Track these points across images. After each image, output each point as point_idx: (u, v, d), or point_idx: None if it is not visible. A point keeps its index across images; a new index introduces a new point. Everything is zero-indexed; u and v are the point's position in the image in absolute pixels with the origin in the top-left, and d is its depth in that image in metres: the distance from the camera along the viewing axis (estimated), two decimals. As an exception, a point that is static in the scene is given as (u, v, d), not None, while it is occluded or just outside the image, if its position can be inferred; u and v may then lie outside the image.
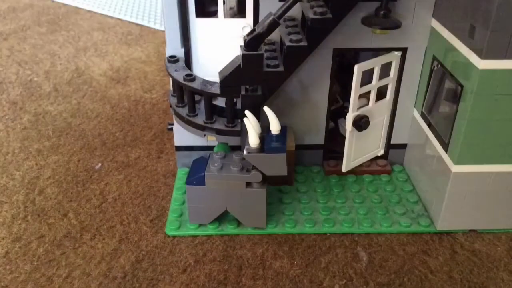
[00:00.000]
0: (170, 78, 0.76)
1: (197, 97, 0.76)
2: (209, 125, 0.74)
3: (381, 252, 0.70)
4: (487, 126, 0.64)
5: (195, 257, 0.69)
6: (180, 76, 0.73)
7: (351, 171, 0.84)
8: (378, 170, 0.84)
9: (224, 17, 0.74)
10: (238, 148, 0.76)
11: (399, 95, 0.80)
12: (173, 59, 0.76)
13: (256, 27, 0.67)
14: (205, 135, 0.75)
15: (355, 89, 0.72)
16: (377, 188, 0.81)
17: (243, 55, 0.67)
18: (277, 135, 0.69)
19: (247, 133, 0.67)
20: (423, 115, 0.78)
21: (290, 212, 0.76)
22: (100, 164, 0.89)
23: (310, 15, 0.66)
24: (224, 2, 0.73)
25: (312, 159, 0.86)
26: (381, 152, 0.86)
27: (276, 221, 0.74)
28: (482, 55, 0.59)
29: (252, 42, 0.66)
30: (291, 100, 0.80)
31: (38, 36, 1.47)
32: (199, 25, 0.75)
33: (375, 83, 0.76)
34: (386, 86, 0.80)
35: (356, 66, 0.70)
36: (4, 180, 0.84)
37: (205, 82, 0.73)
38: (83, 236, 0.73)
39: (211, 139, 0.81)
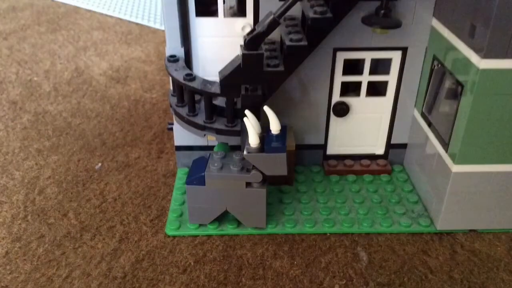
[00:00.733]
0: (170, 78, 0.76)
1: (197, 97, 0.76)
2: (209, 125, 0.74)
3: (381, 252, 0.70)
4: (488, 126, 0.64)
5: (195, 257, 0.69)
6: (180, 75, 0.73)
7: (351, 171, 0.84)
8: (378, 170, 0.84)
9: (224, 16, 0.74)
10: (238, 148, 0.76)
11: (399, 94, 0.80)
12: (173, 58, 0.76)
13: (256, 27, 0.67)
14: (205, 135, 0.75)
15: (337, 76, 0.78)
16: (377, 188, 0.81)
17: (243, 55, 0.67)
18: (277, 135, 0.68)
19: (247, 133, 0.67)
20: (423, 115, 0.78)
21: (290, 212, 0.76)
22: (100, 164, 0.89)
23: (311, 14, 0.66)
24: (224, 1, 0.73)
25: (312, 159, 0.86)
26: (379, 151, 0.86)
27: (276, 221, 0.74)
28: (483, 54, 0.59)
29: (252, 41, 0.66)
30: (291, 100, 0.80)
31: (37, 35, 1.46)
32: (199, 25, 0.75)
33: (365, 75, 0.78)
34: (385, 85, 0.80)
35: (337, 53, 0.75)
36: (4, 180, 0.84)
37: (205, 82, 0.73)
38: (83, 236, 0.73)
39: (211, 139, 0.81)
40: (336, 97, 0.80)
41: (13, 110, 1.06)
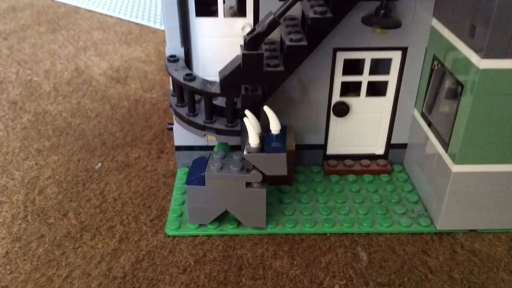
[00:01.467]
0: (170, 78, 0.76)
1: (197, 97, 0.76)
2: (209, 125, 0.74)
3: (381, 252, 0.70)
4: (488, 126, 0.64)
5: (195, 257, 0.69)
6: (180, 75, 0.73)
7: (351, 171, 0.84)
8: (378, 170, 0.84)
9: (224, 16, 0.74)
10: (238, 148, 0.76)
11: (399, 94, 0.80)
12: (173, 58, 0.76)
13: (256, 27, 0.67)
14: (205, 135, 0.75)
15: (337, 76, 0.78)
16: (377, 188, 0.81)
17: (243, 55, 0.67)
18: (277, 135, 0.68)
19: (247, 133, 0.67)
20: (423, 115, 0.78)
21: (290, 212, 0.76)
22: (100, 164, 0.89)
23: (311, 14, 0.66)
24: (224, 1, 0.73)
25: (312, 159, 0.86)
26: (379, 151, 0.86)
27: (276, 221, 0.74)
28: (483, 54, 0.59)
29: (252, 41, 0.66)
30: (291, 100, 0.80)
31: (37, 35, 1.46)
32: (199, 25, 0.75)
33: (365, 75, 0.78)
34: (385, 85, 0.80)
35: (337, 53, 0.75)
36: (4, 180, 0.84)
37: (205, 82, 0.73)
38: (83, 236, 0.73)
39: (211, 139, 0.81)
40: (336, 97, 0.80)
41: (13, 110, 1.06)
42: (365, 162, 0.85)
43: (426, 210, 0.76)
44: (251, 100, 0.69)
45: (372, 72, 0.78)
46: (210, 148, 0.83)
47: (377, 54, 0.77)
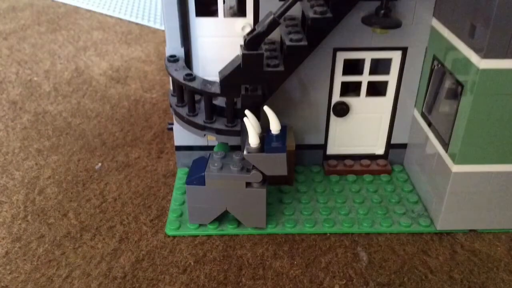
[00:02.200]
0: (170, 78, 0.76)
1: (197, 97, 0.76)
2: (209, 125, 0.74)
3: (381, 252, 0.70)
4: (488, 126, 0.64)
5: (195, 257, 0.69)
6: (180, 75, 0.73)
7: (351, 171, 0.84)
8: (378, 170, 0.84)
9: (224, 16, 0.74)
10: (238, 148, 0.76)
11: (399, 94, 0.80)
12: (173, 58, 0.76)
13: (256, 27, 0.67)
14: (205, 135, 0.75)
15: (337, 76, 0.78)
16: (377, 188, 0.81)
17: (243, 55, 0.67)
18: (277, 135, 0.68)
19: (247, 133, 0.67)
20: (423, 115, 0.78)
21: (290, 212, 0.76)
22: (100, 164, 0.89)
23: (311, 14, 0.66)
24: (224, 1, 0.73)
25: (312, 159, 0.86)
26: (379, 151, 0.86)
27: (276, 221, 0.74)
28: (483, 54, 0.59)
29: (252, 41, 0.66)
30: (291, 100, 0.80)
31: (37, 35, 1.46)
32: (199, 25, 0.75)
33: (365, 75, 0.78)
34: (385, 85, 0.80)
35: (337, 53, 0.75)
36: (4, 180, 0.84)
37: (205, 82, 0.73)
38: (83, 236, 0.73)
39: (211, 139, 0.81)
40: (336, 97, 0.80)
41: (13, 110, 1.06)
42: (365, 162, 0.85)
43: (426, 210, 0.76)
44: (251, 100, 0.69)
45: (372, 72, 0.78)
46: (210, 148, 0.83)
47: (377, 54, 0.77)
